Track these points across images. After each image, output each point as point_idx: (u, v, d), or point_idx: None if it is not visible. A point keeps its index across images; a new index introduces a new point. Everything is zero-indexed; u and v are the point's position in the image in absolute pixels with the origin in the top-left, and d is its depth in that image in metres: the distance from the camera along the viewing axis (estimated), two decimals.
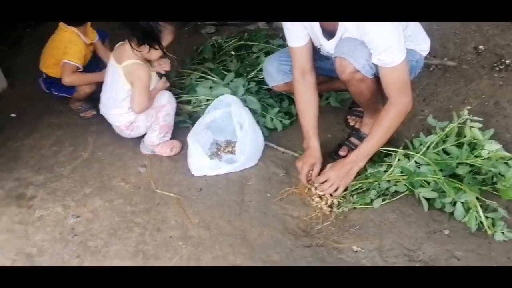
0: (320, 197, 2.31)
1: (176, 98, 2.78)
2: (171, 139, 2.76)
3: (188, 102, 2.95)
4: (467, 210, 2.06)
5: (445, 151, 2.31)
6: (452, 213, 2.11)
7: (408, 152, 2.30)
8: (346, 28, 2.18)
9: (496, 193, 2.17)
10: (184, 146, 2.73)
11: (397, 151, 2.30)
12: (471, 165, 2.23)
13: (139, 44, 2.36)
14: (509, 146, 2.39)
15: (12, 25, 4.15)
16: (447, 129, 2.32)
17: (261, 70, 2.93)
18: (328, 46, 2.34)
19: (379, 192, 2.26)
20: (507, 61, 3.12)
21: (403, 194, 2.24)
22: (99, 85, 2.81)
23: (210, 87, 2.94)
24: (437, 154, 2.29)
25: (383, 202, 2.23)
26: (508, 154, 2.19)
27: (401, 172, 2.23)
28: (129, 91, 2.51)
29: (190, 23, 4.30)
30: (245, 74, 3.08)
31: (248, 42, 3.51)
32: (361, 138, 2.59)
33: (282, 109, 2.89)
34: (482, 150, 2.21)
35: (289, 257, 2.06)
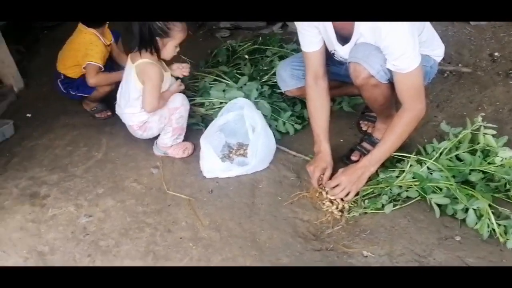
0: (331, 201, 2.31)
1: (190, 101, 2.79)
2: (183, 141, 2.77)
3: (202, 104, 2.97)
4: (479, 217, 2.05)
5: (458, 158, 2.30)
6: (464, 220, 2.09)
7: (421, 158, 2.28)
8: (361, 34, 2.18)
9: (509, 200, 2.16)
10: (196, 148, 2.74)
11: (409, 157, 2.29)
12: (484, 172, 2.21)
13: (139, 48, 2.43)
14: None
15: (30, 27, 4.20)
16: (460, 136, 2.31)
17: (274, 74, 2.94)
18: (342, 52, 2.34)
19: (390, 198, 2.25)
20: None
21: (414, 200, 2.22)
22: (116, 85, 2.85)
23: (224, 90, 2.95)
24: (450, 160, 2.28)
25: (394, 208, 2.22)
26: None
27: (413, 177, 2.22)
28: (141, 90, 2.52)
29: (205, 27, 4.33)
30: (258, 77, 3.09)
31: (262, 46, 3.53)
32: (373, 143, 2.58)
33: (294, 113, 2.89)
34: (495, 157, 2.19)
35: (298, 261, 2.06)
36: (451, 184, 2.13)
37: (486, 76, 3.17)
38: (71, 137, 2.98)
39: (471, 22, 3.62)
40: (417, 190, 2.20)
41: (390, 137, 2.25)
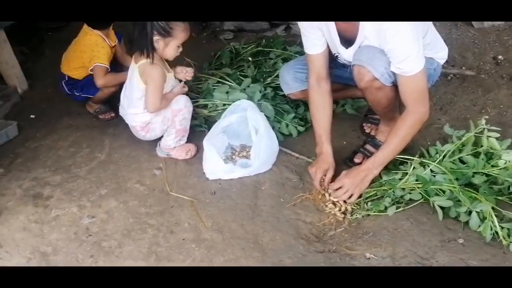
0: (333, 203, 2.31)
1: (193, 102, 2.79)
2: (186, 142, 2.78)
3: (205, 106, 2.97)
4: (482, 219, 2.04)
5: (461, 160, 2.30)
6: (467, 222, 2.09)
7: (424, 160, 2.28)
8: (366, 36, 2.19)
9: None
10: (199, 149, 2.75)
11: (412, 159, 2.29)
12: (487, 175, 2.21)
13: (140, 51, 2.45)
14: None
15: (34, 28, 4.22)
16: (463, 138, 2.31)
17: (277, 76, 2.94)
18: (346, 54, 2.34)
19: (393, 200, 2.25)
20: None
21: (417, 202, 2.22)
22: (120, 86, 2.87)
23: (227, 92, 2.96)
24: (453, 163, 2.27)
25: (397, 210, 2.22)
26: None
27: (416, 180, 2.22)
28: (144, 90, 2.53)
29: (208, 29, 4.34)
30: (261, 80, 3.10)
31: (265, 49, 3.54)
32: (376, 145, 2.58)
33: (297, 115, 2.90)
34: (499, 159, 2.19)
35: (301, 263, 2.06)
36: (454, 187, 2.13)
37: (489, 79, 3.16)
38: (75, 138, 2.99)
39: (474, 25, 3.62)
40: (420, 193, 2.20)
41: (393, 139, 2.24)
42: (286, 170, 2.59)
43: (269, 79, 3.10)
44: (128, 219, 2.36)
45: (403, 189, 2.25)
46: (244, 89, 2.95)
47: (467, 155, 2.27)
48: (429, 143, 2.62)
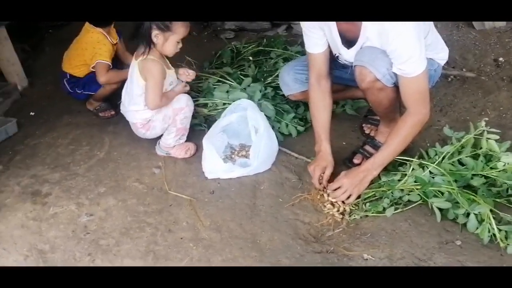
0: (332, 203, 2.30)
1: (193, 101, 2.79)
2: (186, 141, 2.78)
3: (205, 105, 2.97)
4: (480, 221, 2.04)
5: (460, 162, 2.29)
6: (465, 224, 2.08)
7: (423, 162, 2.28)
8: (368, 37, 2.18)
9: (511, 205, 2.15)
10: (199, 148, 2.75)
11: (411, 161, 2.29)
12: (486, 177, 2.20)
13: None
14: None
15: (35, 26, 4.22)
16: (463, 140, 2.30)
17: (278, 76, 2.94)
18: (347, 55, 2.34)
19: (392, 201, 2.25)
20: None
21: (416, 204, 2.21)
22: (121, 84, 2.87)
23: (227, 91, 2.96)
24: (452, 164, 2.27)
25: (396, 211, 2.21)
26: None
27: (415, 181, 2.22)
28: (144, 87, 2.53)
29: (209, 28, 4.35)
30: (262, 79, 3.10)
31: (266, 48, 3.54)
32: (376, 146, 2.58)
33: (297, 115, 2.90)
34: (498, 162, 2.18)
35: (299, 263, 2.05)
36: (453, 189, 2.12)
37: (490, 81, 3.16)
38: (74, 136, 2.99)
39: (475, 27, 3.62)
40: (418, 194, 2.20)
41: (393, 140, 2.24)
42: (285, 170, 2.59)
43: (270, 78, 3.09)
44: (127, 217, 2.36)
45: (402, 190, 2.25)
46: (245, 88, 2.95)
47: (466, 157, 2.26)
48: (428, 144, 2.62)
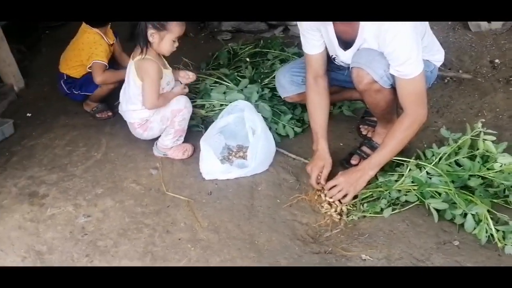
0: (329, 204, 2.31)
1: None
2: (183, 142, 2.77)
3: (202, 106, 2.97)
4: (478, 222, 2.05)
5: (457, 163, 2.30)
6: (462, 225, 2.09)
7: (420, 162, 2.29)
8: (365, 39, 2.19)
9: (508, 206, 2.16)
10: (196, 149, 2.75)
11: (409, 161, 2.29)
12: (483, 178, 2.21)
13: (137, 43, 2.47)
14: None
15: (32, 27, 4.21)
16: (460, 141, 2.31)
17: (275, 77, 2.95)
18: (344, 57, 2.35)
19: (389, 201, 2.25)
20: None
21: (413, 204, 2.22)
22: (119, 84, 2.87)
23: (224, 93, 2.96)
24: (449, 165, 2.28)
25: (393, 212, 2.22)
26: None
27: (412, 182, 2.22)
28: (140, 87, 2.53)
29: (206, 29, 4.35)
30: (259, 80, 3.10)
31: (263, 49, 3.55)
32: (373, 147, 2.59)
33: (294, 116, 2.90)
34: (494, 163, 2.19)
35: (297, 263, 2.05)
36: (450, 189, 2.13)
37: (486, 82, 3.17)
38: (71, 137, 2.99)
39: (472, 29, 3.63)
40: (416, 195, 2.20)
41: (391, 141, 2.24)
42: (283, 171, 2.59)
43: (267, 80, 3.10)
44: (124, 218, 2.35)
45: (399, 190, 2.25)
46: (242, 89, 2.95)
47: (463, 158, 2.27)
48: (425, 145, 2.62)
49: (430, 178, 2.22)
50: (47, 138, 2.99)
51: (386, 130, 2.49)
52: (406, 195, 2.23)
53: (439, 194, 2.16)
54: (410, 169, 2.26)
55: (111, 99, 3.17)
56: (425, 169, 2.24)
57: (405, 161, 2.31)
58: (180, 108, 2.63)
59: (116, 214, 2.38)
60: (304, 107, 2.79)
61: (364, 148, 2.64)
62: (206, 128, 2.73)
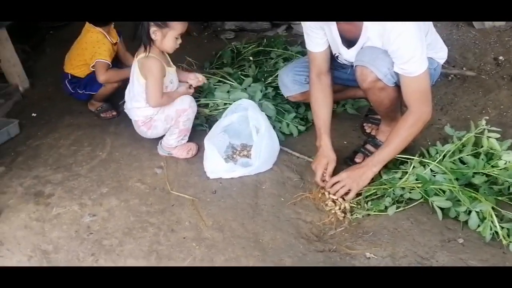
0: (333, 201, 2.31)
1: None
2: (188, 141, 2.78)
3: (206, 105, 2.98)
4: (482, 219, 2.05)
5: (461, 161, 2.30)
6: (466, 222, 2.09)
7: (424, 160, 2.29)
8: (369, 38, 2.19)
9: None
10: (200, 148, 2.75)
11: (413, 159, 2.29)
12: (487, 175, 2.21)
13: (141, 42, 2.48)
14: None
15: (36, 27, 4.23)
16: (464, 139, 2.31)
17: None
18: (347, 55, 2.35)
19: (393, 199, 2.25)
20: None
21: (418, 202, 2.22)
22: (123, 83, 2.89)
23: (228, 91, 2.96)
24: (453, 163, 2.28)
25: (398, 210, 2.22)
26: None
27: (416, 179, 2.22)
28: (144, 85, 2.54)
29: (210, 29, 4.36)
30: (262, 79, 3.11)
31: (266, 48, 3.55)
32: (377, 145, 2.59)
33: (298, 115, 2.91)
34: (499, 160, 2.19)
35: (301, 262, 2.06)
36: (454, 187, 2.13)
37: (490, 79, 3.17)
38: (76, 137, 3.00)
39: (475, 26, 3.63)
40: (420, 192, 2.20)
41: (394, 139, 2.25)
42: (287, 170, 2.60)
43: (270, 78, 3.10)
44: (129, 217, 2.36)
45: (403, 188, 2.25)
46: (245, 88, 2.96)
47: (467, 155, 2.27)
48: (429, 143, 2.62)
49: (434, 175, 2.22)
50: (52, 138, 3.00)
51: (390, 128, 2.49)
52: (410, 192, 2.23)
53: (443, 191, 2.17)
54: (414, 167, 2.26)
55: (116, 98, 3.18)
56: (429, 166, 2.24)
57: (409, 158, 2.31)
58: (185, 108, 2.63)
59: (121, 213, 2.39)
60: (307, 106, 2.79)
61: (368, 146, 2.64)
62: (210, 127, 2.74)
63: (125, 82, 2.78)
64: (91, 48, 3.02)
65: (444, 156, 2.29)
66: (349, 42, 2.30)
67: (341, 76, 2.58)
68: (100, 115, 3.20)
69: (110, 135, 3.00)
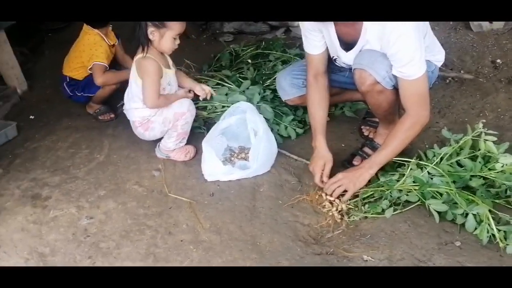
0: (331, 202, 2.31)
1: None
2: (186, 144, 2.78)
3: (204, 108, 2.98)
4: (479, 222, 2.05)
5: (458, 164, 2.30)
6: (463, 225, 2.09)
7: (421, 162, 2.29)
8: (368, 41, 2.19)
9: (510, 206, 2.16)
10: (198, 151, 2.75)
11: (410, 161, 2.30)
12: (484, 178, 2.22)
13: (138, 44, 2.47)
14: None
15: (35, 29, 4.23)
16: (461, 142, 2.31)
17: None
18: (346, 58, 2.35)
19: (390, 202, 2.25)
20: None
21: (415, 205, 2.22)
22: (121, 84, 2.89)
23: (226, 94, 2.96)
24: (450, 166, 2.28)
25: (395, 212, 2.22)
26: None
27: (414, 182, 2.22)
28: (141, 85, 2.53)
29: (208, 31, 4.36)
30: (261, 82, 3.11)
31: (265, 51, 3.55)
32: (375, 148, 2.59)
33: (296, 118, 2.91)
34: (496, 163, 2.19)
35: (298, 264, 2.05)
36: (451, 189, 2.13)
37: (488, 82, 3.17)
38: (74, 139, 3.00)
39: (473, 29, 3.63)
40: (417, 195, 2.20)
41: (392, 141, 2.25)
42: (285, 172, 2.60)
43: (269, 81, 3.11)
44: (127, 220, 2.36)
45: (400, 190, 2.26)
46: (244, 91, 2.96)
47: (464, 158, 2.27)
48: (427, 146, 2.62)
49: (432, 178, 2.22)
50: (50, 140, 3.00)
51: (388, 131, 2.49)
52: (407, 195, 2.23)
53: (440, 194, 2.17)
54: (411, 169, 2.26)
55: (114, 101, 3.19)
56: (426, 169, 2.24)
57: (406, 161, 2.31)
58: (183, 111, 2.62)
59: (118, 216, 2.39)
60: (305, 109, 2.78)
61: (366, 149, 2.65)
62: (208, 130, 2.74)
63: (123, 84, 2.78)
64: (88, 51, 3.02)
65: (441, 159, 2.29)
66: (347, 45, 2.30)
67: (339, 79, 2.58)
68: (98, 118, 3.20)
69: (108, 137, 3.00)
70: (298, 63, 2.73)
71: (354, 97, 2.73)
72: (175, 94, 2.66)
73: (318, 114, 2.46)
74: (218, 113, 2.90)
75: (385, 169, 2.35)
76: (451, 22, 3.77)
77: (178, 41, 2.51)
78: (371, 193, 2.31)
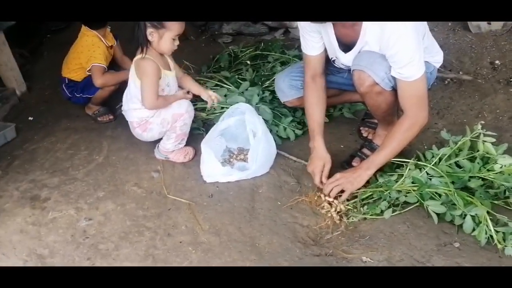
0: (329, 203, 2.31)
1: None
2: (185, 145, 2.78)
3: (203, 109, 2.98)
4: (478, 223, 2.05)
5: (457, 165, 2.30)
6: (461, 226, 2.09)
7: (420, 163, 2.29)
8: (367, 42, 2.19)
9: (509, 207, 2.16)
10: (197, 152, 2.75)
11: (408, 162, 2.30)
12: (483, 179, 2.22)
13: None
14: None
15: (34, 31, 4.23)
16: (460, 143, 2.31)
17: None
18: (344, 59, 2.35)
19: (389, 203, 2.25)
20: None
21: (414, 206, 2.22)
22: (120, 85, 2.89)
23: (225, 95, 2.97)
24: (449, 166, 2.28)
25: (394, 213, 2.22)
26: None
27: (412, 182, 2.22)
28: (139, 86, 2.53)
29: (207, 32, 4.36)
30: (260, 83, 3.11)
31: (264, 52, 3.55)
32: (373, 149, 2.59)
33: (295, 119, 2.91)
34: (495, 164, 2.19)
35: (298, 266, 2.05)
36: (450, 190, 2.13)
37: (486, 84, 3.18)
38: (73, 141, 3.00)
39: (472, 30, 3.64)
40: (415, 196, 2.20)
41: (390, 142, 2.25)
42: (284, 173, 2.60)
43: (267, 82, 3.10)
44: (125, 221, 2.36)
45: (399, 191, 2.26)
46: (243, 92, 2.96)
47: (463, 159, 2.28)
48: (425, 147, 2.62)
49: (430, 179, 2.22)
50: (48, 141, 3.00)
51: (386, 132, 2.49)
52: (406, 196, 2.24)
53: (439, 195, 2.17)
54: (409, 169, 2.26)
55: (113, 102, 3.19)
56: (425, 169, 2.24)
57: (405, 161, 2.31)
58: (182, 113, 2.62)
59: (117, 217, 2.38)
60: (304, 110, 2.80)
61: (365, 150, 2.65)
62: (207, 131, 2.74)
63: (122, 85, 2.78)
64: (87, 52, 3.02)
65: (440, 160, 2.29)
66: (346, 46, 2.30)
67: (338, 80, 2.58)
68: (97, 119, 3.20)
69: (107, 139, 3.00)
70: (297, 65, 2.73)
71: (353, 98, 2.73)
72: (174, 95, 2.65)
73: (316, 114, 2.46)
74: (217, 115, 2.90)
75: (383, 170, 2.35)
76: (449, 24, 3.77)
77: (177, 42, 2.51)
78: (370, 194, 2.31)
